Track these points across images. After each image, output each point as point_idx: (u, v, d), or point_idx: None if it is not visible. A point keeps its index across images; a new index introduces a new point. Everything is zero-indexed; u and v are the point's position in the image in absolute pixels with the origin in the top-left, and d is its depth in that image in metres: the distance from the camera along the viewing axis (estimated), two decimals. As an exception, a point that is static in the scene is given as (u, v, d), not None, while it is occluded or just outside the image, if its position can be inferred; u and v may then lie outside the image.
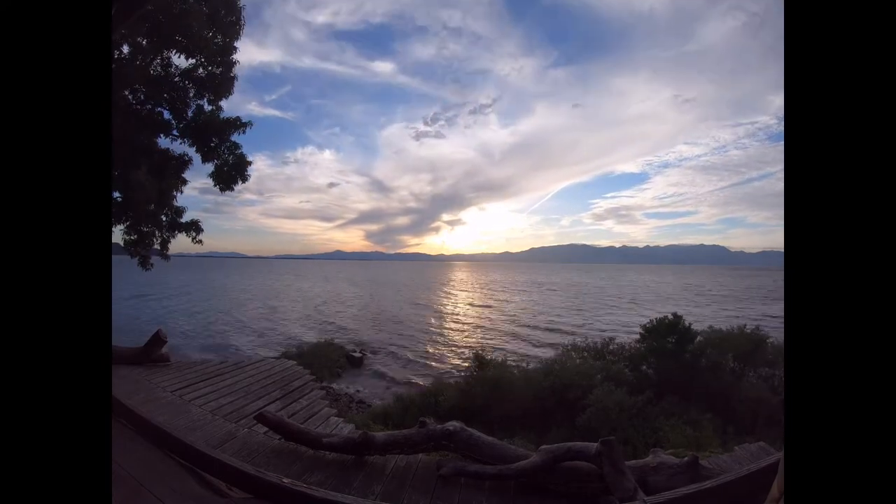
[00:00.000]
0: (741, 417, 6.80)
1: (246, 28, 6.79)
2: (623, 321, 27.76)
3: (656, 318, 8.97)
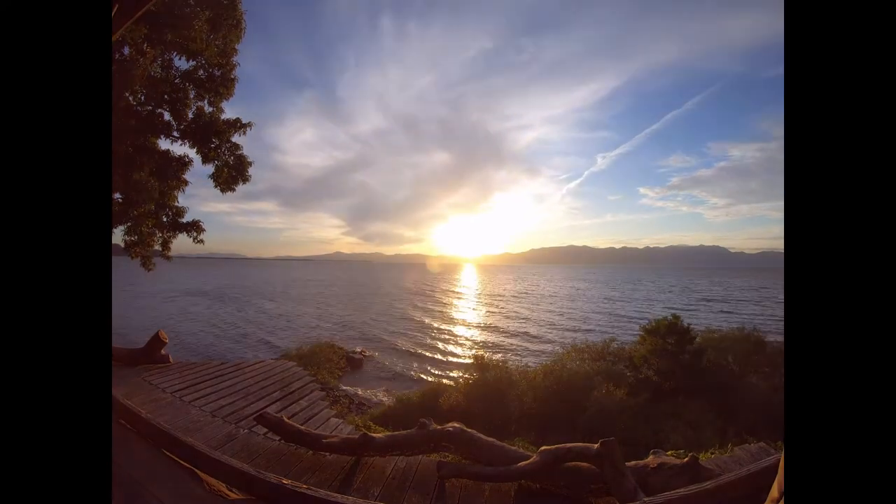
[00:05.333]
0: (741, 418, 6.79)
1: None
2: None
3: (656, 319, 8.98)
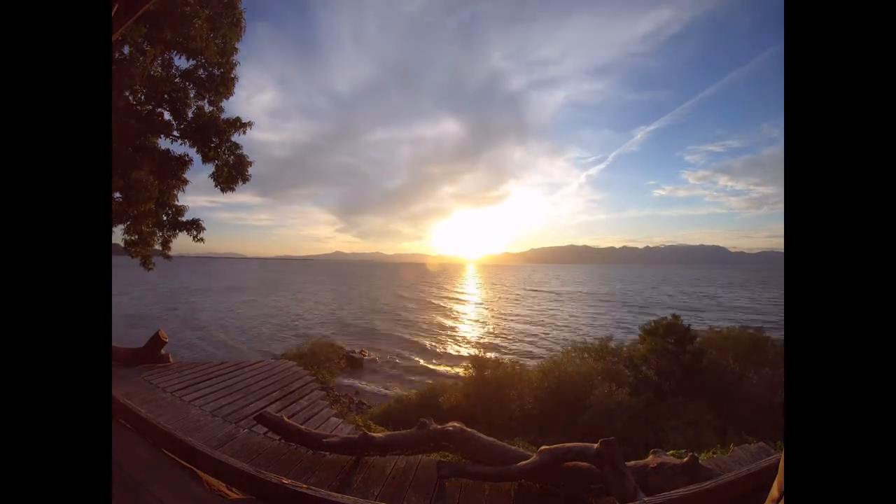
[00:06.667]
0: (741, 418, 6.80)
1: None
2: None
3: (655, 319, 8.98)
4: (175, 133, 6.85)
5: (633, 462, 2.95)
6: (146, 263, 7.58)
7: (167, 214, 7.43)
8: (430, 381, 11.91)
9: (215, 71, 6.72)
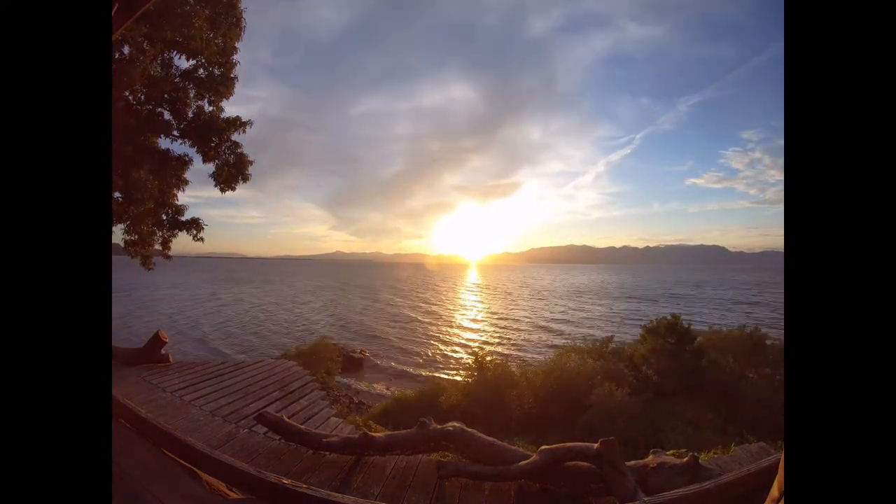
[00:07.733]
0: (741, 417, 6.80)
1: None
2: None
3: (656, 319, 8.98)
4: (175, 133, 6.85)
5: (633, 462, 2.95)
6: (146, 263, 7.58)
7: (167, 214, 7.42)
8: (432, 380, 11.90)
9: (216, 71, 6.72)
